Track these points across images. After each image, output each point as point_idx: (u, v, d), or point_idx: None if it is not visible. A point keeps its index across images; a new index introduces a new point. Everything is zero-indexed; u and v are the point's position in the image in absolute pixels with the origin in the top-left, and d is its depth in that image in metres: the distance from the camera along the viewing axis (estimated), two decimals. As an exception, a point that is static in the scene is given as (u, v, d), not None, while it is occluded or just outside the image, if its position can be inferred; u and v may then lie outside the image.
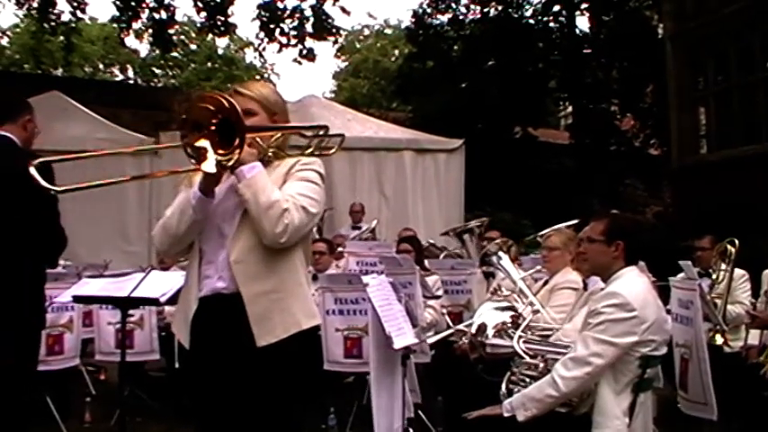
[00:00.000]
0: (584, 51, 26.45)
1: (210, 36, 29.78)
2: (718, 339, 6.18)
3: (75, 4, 22.83)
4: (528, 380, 4.34)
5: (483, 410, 4.20)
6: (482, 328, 4.79)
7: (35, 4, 22.89)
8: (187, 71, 43.24)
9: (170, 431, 6.69)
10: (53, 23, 23.23)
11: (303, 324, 3.33)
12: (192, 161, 3.14)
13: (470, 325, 5.10)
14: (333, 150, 3.71)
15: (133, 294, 5.16)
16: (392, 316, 4.93)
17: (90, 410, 7.03)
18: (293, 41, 23.69)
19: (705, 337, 5.42)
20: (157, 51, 30.36)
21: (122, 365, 5.58)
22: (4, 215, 4.45)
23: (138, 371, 7.46)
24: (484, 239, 9.17)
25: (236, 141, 3.06)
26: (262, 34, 24.10)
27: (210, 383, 3.35)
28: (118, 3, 22.54)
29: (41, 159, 3.22)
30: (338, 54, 44.51)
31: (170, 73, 44.20)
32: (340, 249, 9.23)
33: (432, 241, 11.03)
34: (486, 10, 26.98)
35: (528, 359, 4.46)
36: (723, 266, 7.02)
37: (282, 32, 23.67)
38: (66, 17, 23.25)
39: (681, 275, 5.76)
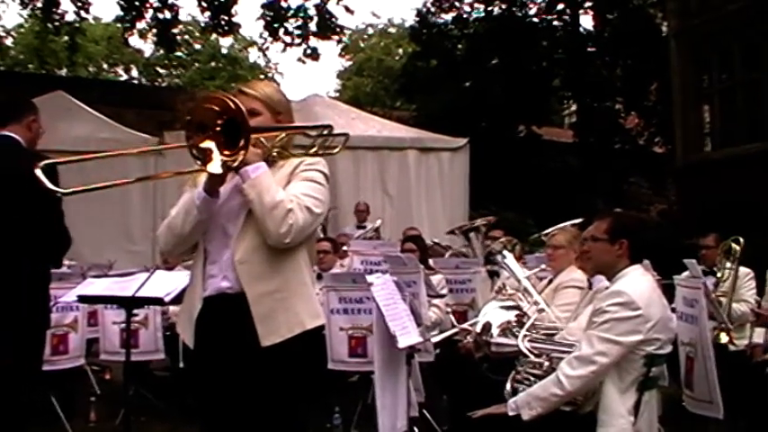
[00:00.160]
0: (588, 49, 26.43)
1: (214, 35, 29.82)
2: (724, 338, 6.18)
3: (79, 4, 22.86)
4: (533, 379, 4.33)
5: (488, 409, 4.19)
6: (487, 326, 4.77)
7: (39, 5, 22.91)
8: (191, 71, 43.25)
9: (174, 430, 6.69)
10: (57, 23, 23.26)
11: (307, 324, 3.34)
12: (198, 162, 3.14)
13: (475, 324, 5.09)
14: (337, 150, 3.71)
15: (138, 294, 5.17)
16: (397, 315, 4.93)
17: (95, 410, 7.04)
18: (297, 41, 23.73)
19: (710, 335, 5.42)
20: (161, 51, 30.40)
21: (127, 365, 5.57)
22: (5, 215, 4.46)
23: (142, 370, 7.46)
24: (488, 238, 9.16)
25: (242, 142, 3.06)
26: (266, 34, 24.15)
27: (215, 383, 3.35)
28: (122, 2, 22.57)
29: (47, 161, 3.22)
30: (342, 53, 44.48)
31: (174, 72, 44.22)
32: (344, 248, 9.23)
33: (436, 240, 11.03)
34: (489, 8, 27.00)
35: (533, 358, 4.46)
36: (728, 265, 7.00)
37: (286, 32, 23.70)
38: (70, 17, 23.30)
39: (686, 274, 5.76)
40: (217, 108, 3.09)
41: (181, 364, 6.82)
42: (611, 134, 25.34)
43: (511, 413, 4.05)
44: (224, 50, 43.32)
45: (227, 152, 3.09)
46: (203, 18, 24.56)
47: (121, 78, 42.91)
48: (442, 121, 19.24)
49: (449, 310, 7.33)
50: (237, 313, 3.24)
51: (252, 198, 3.21)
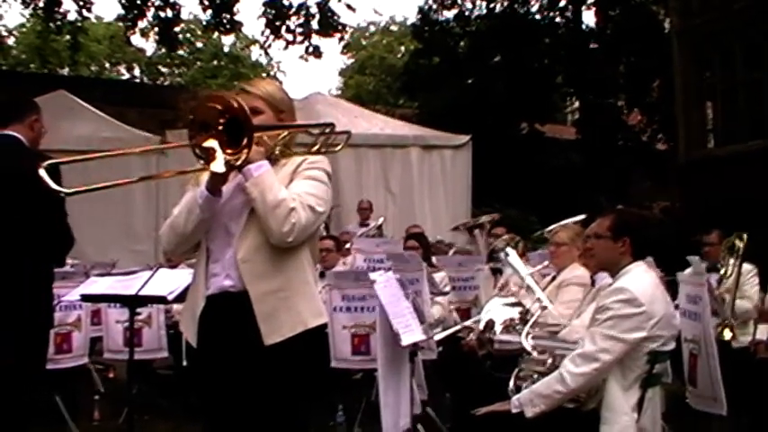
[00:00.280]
0: (591, 46, 26.41)
1: (216, 34, 29.80)
2: (727, 334, 6.16)
3: (80, 3, 22.80)
4: (536, 376, 4.34)
5: (491, 407, 4.20)
6: (490, 324, 4.79)
7: (41, 4, 22.89)
8: (193, 69, 43.29)
9: (178, 429, 6.70)
10: (59, 23, 23.24)
11: (310, 323, 3.34)
12: (201, 161, 3.15)
13: (478, 321, 5.10)
14: (339, 147, 3.71)
15: (141, 292, 5.16)
16: (399, 312, 4.93)
17: (99, 408, 7.05)
18: (299, 39, 23.66)
19: (713, 332, 5.41)
20: (163, 50, 30.40)
21: (131, 363, 5.58)
22: (7, 215, 4.47)
23: (146, 369, 7.46)
24: (491, 236, 9.17)
25: (245, 141, 3.06)
26: (267, 32, 24.11)
27: (218, 381, 3.36)
28: (123, 2, 22.56)
29: (50, 161, 3.23)
30: (344, 51, 44.45)
31: (176, 71, 44.25)
32: (347, 246, 9.24)
33: (439, 238, 11.04)
34: (491, 6, 27.00)
35: (536, 355, 4.47)
36: (731, 261, 6.99)
37: (288, 30, 23.65)
38: (72, 16, 23.27)
39: (689, 270, 5.75)
40: (219, 107, 3.10)
41: (184, 363, 6.82)
42: (613, 131, 25.33)
43: (514, 410, 4.05)
44: (226, 49, 43.35)
45: (229, 151, 3.09)
46: (205, 16, 24.52)
47: (124, 77, 42.97)
48: (445, 119, 19.24)
49: (452, 307, 7.34)
50: (240, 312, 3.24)
51: (254, 197, 3.21)
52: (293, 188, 3.29)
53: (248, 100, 3.27)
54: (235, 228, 3.34)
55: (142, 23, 24.48)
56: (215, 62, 43.30)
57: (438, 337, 6.14)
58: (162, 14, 23.18)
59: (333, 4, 23.24)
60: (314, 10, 23.18)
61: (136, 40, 30.38)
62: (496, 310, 4.88)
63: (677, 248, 6.65)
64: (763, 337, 6.32)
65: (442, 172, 14.40)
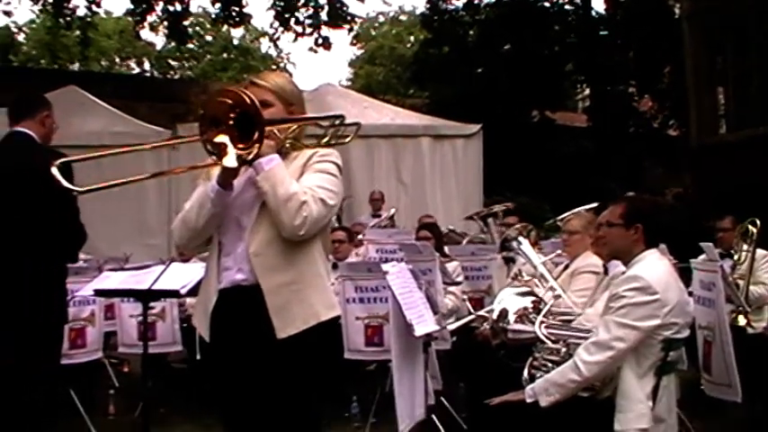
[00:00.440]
0: (601, 33, 26.31)
1: (225, 27, 29.80)
2: (741, 320, 6.15)
3: (90, -2, 22.89)
4: (550, 365, 4.34)
5: (505, 396, 4.20)
6: (503, 313, 4.78)
7: (50, 0, 22.93)
8: (203, 62, 43.36)
9: (194, 422, 6.71)
10: (68, 18, 23.28)
11: (322, 315, 3.34)
12: (213, 157, 3.14)
13: (491, 311, 5.09)
14: (349, 139, 3.71)
15: (154, 287, 5.17)
16: (413, 303, 4.93)
17: (114, 403, 7.08)
18: (308, 30, 23.66)
19: (728, 318, 5.39)
20: (173, 43, 30.44)
21: (145, 357, 5.59)
22: (16, 211, 4.49)
23: (160, 363, 7.48)
24: (503, 225, 9.16)
25: (256, 135, 3.05)
26: (276, 24, 24.11)
27: (231, 375, 3.36)
28: (132, -4, 22.60)
29: (63, 160, 3.24)
30: (354, 42, 44.43)
31: (186, 65, 44.31)
32: (359, 237, 9.24)
33: (451, 227, 11.03)
34: (500, -6, 26.89)
35: (550, 344, 4.46)
36: (745, 247, 6.98)
37: (297, 21, 23.64)
38: (81, 12, 23.31)
39: (702, 257, 5.73)
40: (229, 101, 3.09)
41: (198, 356, 6.84)
42: (625, 118, 25.23)
43: (529, 400, 4.05)
44: (235, 41, 43.38)
45: (241, 145, 3.09)
46: (214, 10, 24.54)
47: (134, 72, 43.06)
48: (455, 108, 19.21)
49: (465, 297, 7.33)
50: (253, 305, 3.25)
51: (266, 190, 3.21)
52: (304, 181, 3.29)
53: (258, 93, 3.26)
54: (246, 221, 3.34)
55: (151, 18, 24.51)
56: (225, 55, 43.38)
57: (452, 327, 6.15)
58: (171, 8, 23.19)
59: (342, -5, 23.23)
60: (323, 1, 23.17)
61: (145, 34, 30.48)
62: (509, 300, 4.87)
63: (690, 234, 6.63)
64: (778, 323, 6.30)
65: (454, 161, 14.38)
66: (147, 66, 44.47)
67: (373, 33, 46.66)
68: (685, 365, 5.21)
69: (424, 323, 4.89)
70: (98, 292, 5.82)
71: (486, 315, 5.57)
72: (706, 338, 5.32)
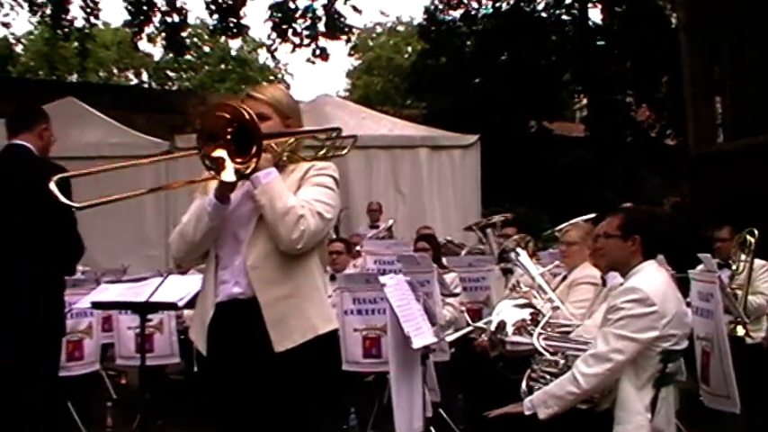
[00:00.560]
0: (598, 43, 26.35)
1: (223, 38, 29.85)
2: (740, 331, 6.15)
3: (88, 9, 22.93)
4: (548, 377, 4.33)
5: (504, 408, 4.19)
6: (501, 325, 4.76)
7: (48, 11, 22.98)
8: (201, 73, 43.37)
9: (191, 434, 6.70)
10: (67, 30, 23.34)
11: (320, 329, 3.33)
12: (211, 171, 3.14)
13: (489, 322, 5.08)
14: (345, 151, 3.71)
15: (151, 299, 5.17)
16: (410, 315, 4.92)
17: (111, 415, 7.06)
18: (306, 41, 23.70)
19: (726, 328, 5.39)
20: (171, 54, 30.47)
21: (143, 369, 5.59)
22: (12, 220, 4.49)
23: (158, 374, 7.47)
24: (501, 236, 9.15)
25: (254, 149, 3.06)
26: (274, 35, 24.14)
27: (229, 389, 3.35)
28: (129, 7, 22.62)
29: (61, 175, 3.25)
30: (351, 52, 44.47)
31: (184, 75, 44.33)
32: (357, 248, 9.23)
33: (449, 238, 11.01)
34: (497, 5, 26.90)
35: (548, 356, 4.45)
36: (743, 257, 6.98)
37: (295, 32, 23.68)
38: (79, 23, 23.36)
39: (700, 267, 5.73)
40: (227, 116, 3.09)
41: (196, 368, 6.83)
42: (622, 127, 25.24)
43: (527, 412, 4.04)
44: (233, 52, 43.40)
45: (239, 160, 3.09)
46: (212, 21, 24.58)
47: (132, 83, 43.08)
48: (453, 119, 19.21)
49: (463, 308, 7.33)
50: (250, 319, 3.24)
51: (263, 204, 3.21)
52: (301, 195, 3.29)
53: (255, 106, 3.28)
54: (243, 235, 3.34)
55: (149, 29, 24.55)
56: (222, 66, 43.36)
57: (450, 338, 6.14)
58: (169, 20, 23.24)
59: (339, 6, 23.30)
60: (320, 12, 23.23)
61: (143, 45, 30.47)
62: (507, 312, 4.86)
63: (688, 244, 6.63)
64: (776, 334, 6.30)
65: (452, 172, 14.38)
66: (144, 77, 44.48)
67: (371, 44, 46.67)
68: (684, 376, 5.21)
69: (421, 335, 4.89)
70: (96, 305, 5.81)
71: (485, 327, 5.57)
72: (704, 349, 5.32)
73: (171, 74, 44.09)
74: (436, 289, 6.56)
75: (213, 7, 23.20)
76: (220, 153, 3.10)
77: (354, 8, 23.33)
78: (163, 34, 24.56)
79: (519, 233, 7.89)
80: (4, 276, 4.52)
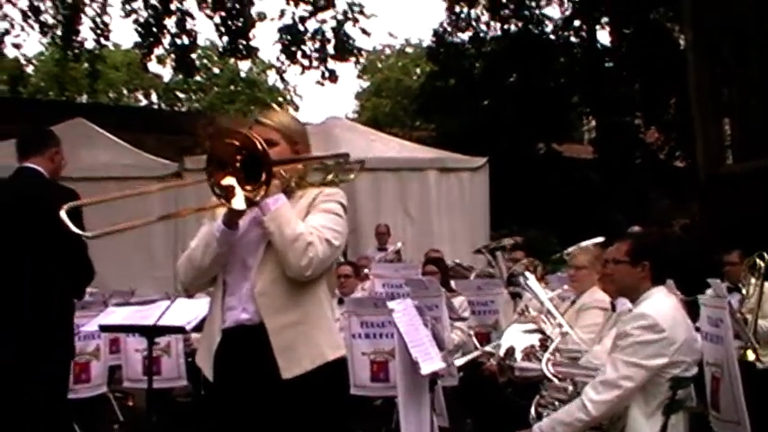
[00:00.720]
0: (606, 65, 26.39)
1: (233, 60, 29.98)
2: (750, 356, 6.10)
3: (98, 31, 23.11)
4: (557, 403, 4.31)
5: (513, 434, 4.17)
6: (510, 351, 4.76)
7: (59, 32, 23.13)
8: (210, 94, 43.52)
9: (198, 457, 6.67)
10: (77, 51, 23.50)
11: (328, 356, 3.32)
12: (222, 199, 3.15)
13: (498, 347, 5.07)
14: (352, 176, 3.72)
15: (159, 323, 5.16)
16: (419, 341, 4.90)
17: (118, 438, 7.05)
18: (315, 63, 23.84)
19: (736, 354, 5.35)
20: (180, 76, 30.61)
21: (150, 392, 5.58)
22: (19, 240, 4.51)
23: (165, 397, 7.45)
24: (510, 260, 9.12)
25: (264, 176, 3.06)
26: (283, 57, 24.25)
27: (235, 416, 3.33)
28: (139, 29, 22.77)
29: (71, 204, 3.26)
30: (360, 74, 44.66)
31: (193, 97, 44.49)
32: (365, 272, 9.22)
33: (458, 261, 10.99)
34: (506, 27, 27.01)
35: (557, 382, 4.43)
36: (753, 281, 6.94)
37: (304, 54, 23.84)
38: (89, 44, 23.54)
39: (709, 292, 5.70)
40: (236, 143, 3.10)
41: (203, 392, 6.81)
42: (631, 149, 25.24)
43: (536, 438, 4.02)
44: (243, 74, 43.55)
45: (248, 187, 3.09)
46: (221, 43, 24.72)
47: (141, 104, 43.26)
48: (462, 141, 19.22)
49: (471, 332, 7.30)
50: (257, 345, 3.23)
51: (272, 231, 3.20)
52: (310, 221, 3.29)
53: (263, 132, 3.28)
54: (251, 261, 3.33)
55: (159, 50, 24.70)
56: (232, 87, 43.51)
57: (458, 362, 6.11)
58: (178, 41, 23.38)
59: (348, 29, 23.42)
60: (329, 35, 23.37)
61: (153, 66, 30.61)
62: (516, 337, 4.85)
63: (698, 267, 6.60)
64: (788, 358, 6.25)
65: (460, 194, 14.37)
66: (154, 98, 44.66)
67: (380, 66, 46.82)
68: (694, 402, 5.17)
69: (430, 361, 4.85)
70: (103, 328, 5.82)
71: (493, 351, 5.55)
72: (714, 375, 5.27)
73: (180, 95, 44.28)
74: (445, 313, 6.53)
75: (223, 29, 23.35)
76: (230, 181, 3.10)
77: (363, 30, 23.48)
78: (172, 56, 24.72)
79: (528, 257, 7.86)
80: (4, 274, 4.53)
